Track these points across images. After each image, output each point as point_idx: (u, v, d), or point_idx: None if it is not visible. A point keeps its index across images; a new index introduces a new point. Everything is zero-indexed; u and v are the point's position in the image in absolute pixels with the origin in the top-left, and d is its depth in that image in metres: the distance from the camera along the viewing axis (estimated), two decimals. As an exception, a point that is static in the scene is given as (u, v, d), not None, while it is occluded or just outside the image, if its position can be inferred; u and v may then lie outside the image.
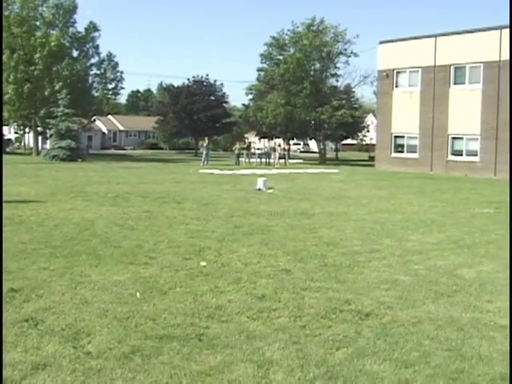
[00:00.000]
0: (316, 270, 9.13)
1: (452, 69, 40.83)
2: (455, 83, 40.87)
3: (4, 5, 54.49)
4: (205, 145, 49.61)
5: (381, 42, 45.78)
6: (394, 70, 44.38)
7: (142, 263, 9.35)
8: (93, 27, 59.41)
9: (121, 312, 6.77)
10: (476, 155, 39.79)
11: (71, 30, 58.65)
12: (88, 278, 8.38)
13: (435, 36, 41.85)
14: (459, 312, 7.13)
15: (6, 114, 56.86)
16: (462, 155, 40.75)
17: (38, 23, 56.84)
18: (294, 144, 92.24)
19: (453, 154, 41.24)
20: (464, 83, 40.42)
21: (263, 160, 49.72)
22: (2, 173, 20.85)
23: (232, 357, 5.49)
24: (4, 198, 17.36)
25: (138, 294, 7.54)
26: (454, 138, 41.21)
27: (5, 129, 75.47)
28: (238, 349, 5.69)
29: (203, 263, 9.42)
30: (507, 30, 36.26)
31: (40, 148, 61.17)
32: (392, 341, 6.03)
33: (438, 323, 6.66)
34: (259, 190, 22.77)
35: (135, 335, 6.00)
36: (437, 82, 41.46)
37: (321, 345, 5.86)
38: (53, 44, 53.74)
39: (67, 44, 58.18)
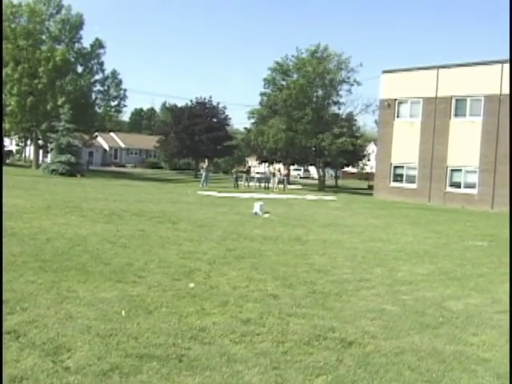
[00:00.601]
0: (304, 297, 9.11)
1: (453, 101, 41.07)
2: (456, 115, 41.10)
3: (11, 17, 55.03)
4: (205, 166, 49.66)
5: (384, 72, 46.05)
6: (395, 99, 44.61)
7: (131, 281, 9.34)
8: (98, 44, 59.94)
9: (104, 329, 6.75)
10: (474, 188, 39.91)
11: (77, 45, 59.26)
12: (75, 293, 8.36)
13: (437, 68, 42.15)
14: (443, 344, 7.12)
15: (7, 126, 57.16)
16: (460, 187, 40.85)
17: (44, 37, 57.34)
18: (295, 170, 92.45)
19: (451, 186, 41.36)
20: (465, 115, 40.66)
21: (262, 184, 49.82)
22: (2, 184, 20.91)
23: (210, 379, 5.47)
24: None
25: (123, 312, 7.53)
26: (452, 170, 41.35)
27: (6, 140, 75.81)
28: (217, 371, 5.67)
29: (191, 284, 9.40)
30: (508, 65, 36.48)
31: (40, 161, 61.36)
32: (373, 370, 6.01)
33: (420, 354, 6.64)
34: (255, 214, 22.77)
35: (116, 353, 5.98)
36: (438, 114, 41.68)
37: (301, 371, 5.84)
38: (58, 59, 54.16)
39: (72, 59, 58.65)
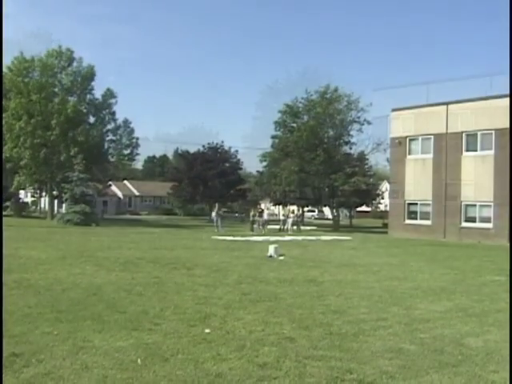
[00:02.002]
0: (320, 339, 9.04)
1: (464, 136, 41.09)
2: (467, 150, 41.09)
3: (24, 72, 55.91)
4: (215, 211, 49.43)
5: (393, 110, 46.25)
6: (406, 137, 44.73)
7: (146, 329, 9.31)
8: (110, 94, 60.56)
9: (120, 378, 6.72)
10: (489, 222, 39.63)
11: (88, 96, 59.89)
12: (91, 343, 8.34)
13: (447, 104, 42.27)
14: (463, 383, 7.02)
15: (22, 179, 57.57)
16: (475, 222, 40.60)
17: (56, 90, 58.04)
18: (309, 211, 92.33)
19: (466, 221, 41.11)
20: (476, 150, 40.62)
21: (277, 226, 49.48)
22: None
23: (228, 426, 5.43)
24: (15, 262, 17.53)
25: (138, 361, 7.49)
26: (467, 205, 41.16)
27: (21, 192, 76.40)
28: (234, 418, 5.63)
29: (207, 330, 9.36)
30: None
31: (56, 212, 61.65)
32: (392, 411, 5.93)
33: (440, 394, 6.56)
34: (270, 256, 22.72)
35: (132, 402, 5.95)
36: (449, 149, 41.70)
37: (319, 414, 5.78)
38: (70, 110, 54.81)
39: (84, 110, 59.26)
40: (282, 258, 22.56)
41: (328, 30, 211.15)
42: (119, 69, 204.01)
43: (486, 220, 39.91)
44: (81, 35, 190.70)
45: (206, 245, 29.66)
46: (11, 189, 60.74)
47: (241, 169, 78.62)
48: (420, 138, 44.11)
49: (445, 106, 42.37)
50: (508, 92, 35.91)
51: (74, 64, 58.35)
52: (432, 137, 43.10)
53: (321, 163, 53.09)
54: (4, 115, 53.52)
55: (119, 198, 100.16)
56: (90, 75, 58.90)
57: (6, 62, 56.21)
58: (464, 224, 41.15)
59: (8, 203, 72.35)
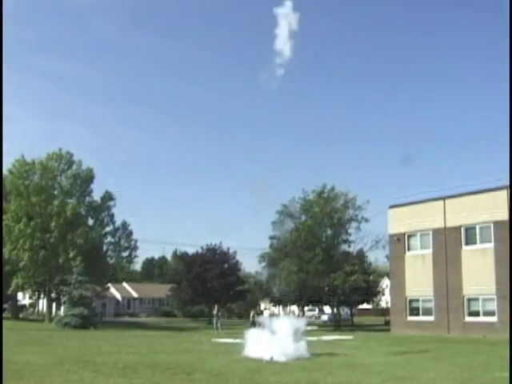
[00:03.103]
0: None
1: (463, 229, 41.18)
2: (467, 243, 41.09)
3: (25, 175, 56.62)
4: (214, 313, 49.14)
5: (390, 207, 46.56)
6: (404, 233, 44.86)
7: None
8: (108, 196, 61.10)
9: None
10: (494, 315, 39.11)
11: (87, 198, 60.49)
12: None
13: (444, 198, 42.62)
14: None
15: (20, 281, 57.17)
16: (479, 316, 40.09)
17: (55, 192, 58.64)
18: (309, 310, 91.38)
19: (470, 315, 40.65)
20: (475, 243, 40.61)
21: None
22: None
23: None
24: (11, 367, 17.16)
25: None
26: (469, 299, 40.77)
27: (19, 295, 75.77)
28: None
29: None
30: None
31: (54, 314, 61.03)
32: None
33: None
34: (271, 359, 22.26)
35: None
36: (448, 244, 41.71)
37: None
38: (69, 213, 55.13)
39: (83, 212, 59.62)
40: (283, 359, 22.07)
41: (324, 127, 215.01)
42: (119, 171, 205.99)
43: (490, 313, 39.42)
44: (81, 137, 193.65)
45: (205, 348, 29.17)
46: (9, 291, 60.20)
47: (240, 270, 78.20)
48: (418, 233, 44.20)
49: (442, 201, 42.66)
50: (508, 183, 36.28)
51: (74, 167, 59.16)
52: (430, 232, 43.19)
53: (320, 262, 52.97)
54: (4, 217, 53.77)
55: (118, 300, 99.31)
56: (89, 178, 59.63)
57: (7, 164, 57.06)
58: (468, 318, 40.64)
59: (5, 305, 71.62)
